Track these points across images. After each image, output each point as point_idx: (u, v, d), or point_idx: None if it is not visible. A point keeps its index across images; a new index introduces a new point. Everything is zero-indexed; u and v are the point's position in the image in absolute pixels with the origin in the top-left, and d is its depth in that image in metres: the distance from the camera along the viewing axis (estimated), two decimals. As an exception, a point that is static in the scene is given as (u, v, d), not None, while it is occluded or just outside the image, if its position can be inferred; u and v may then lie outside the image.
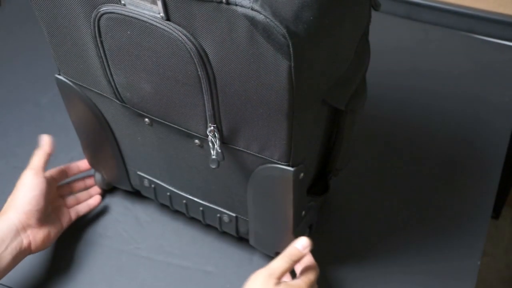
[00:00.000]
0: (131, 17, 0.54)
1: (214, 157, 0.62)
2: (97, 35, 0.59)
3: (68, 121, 0.78)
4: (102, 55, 0.61)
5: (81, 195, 0.84)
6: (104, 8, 0.55)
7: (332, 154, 0.72)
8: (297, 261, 0.67)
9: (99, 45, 0.60)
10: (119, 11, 0.55)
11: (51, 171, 0.79)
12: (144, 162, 0.76)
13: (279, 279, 0.64)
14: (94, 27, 0.58)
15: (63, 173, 0.82)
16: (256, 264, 0.80)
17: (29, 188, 0.74)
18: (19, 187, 0.74)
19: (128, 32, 0.56)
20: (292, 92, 0.52)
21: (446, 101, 1.01)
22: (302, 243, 0.67)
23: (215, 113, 0.59)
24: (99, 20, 0.57)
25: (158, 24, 0.53)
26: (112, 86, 0.64)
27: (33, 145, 0.96)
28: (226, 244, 0.82)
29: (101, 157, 0.80)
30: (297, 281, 0.66)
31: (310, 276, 0.67)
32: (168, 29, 0.53)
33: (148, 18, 0.54)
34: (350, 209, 0.87)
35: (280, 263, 0.66)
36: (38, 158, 0.77)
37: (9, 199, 0.74)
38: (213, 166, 0.62)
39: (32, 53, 1.10)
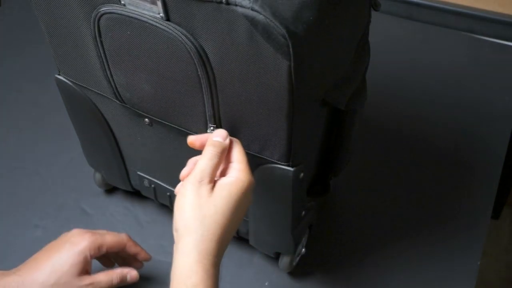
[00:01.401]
0: (131, 17, 0.54)
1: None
2: (97, 35, 0.59)
3: (68, 121, 0.78)
4: (102, 55, 0.61)
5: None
6: (104, 8, 0.55)
7: (332, 154, 0.72)
8: (223, 153, 0.57)
9: (99, 45, 0.60)
10: (119, 11, 0.55)
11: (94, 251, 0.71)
12: (144, 162, 0.76)
13: (211, 182, 0.56)
14: (94, 27, 0.58)
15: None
16: (256, 264, 0.80)
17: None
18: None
19: (128, 32, 0.56)
20: (292, 92, 0.52)
21: (446, 101, 1.01)
22: (219, 134, 0.58)
23: (215, 113, 0.59)
24: (99, 20, 0.57)
25: (158, 24, 0.53)
26: (112, 86, 0.64)
27: (33, 145, 0.96)
28: (226, 244, 0.82)
29: (101, 157, 0.80)
30: (233, 175, 0.56)
31: (243, 166, 0.57)
32: (168, 29, 0.53)
33: (148, 18, 0.54)
34: (350, 209, 0.87)
35: (205, 162, 0.56)
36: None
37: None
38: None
39: (32, 53, 1.10)
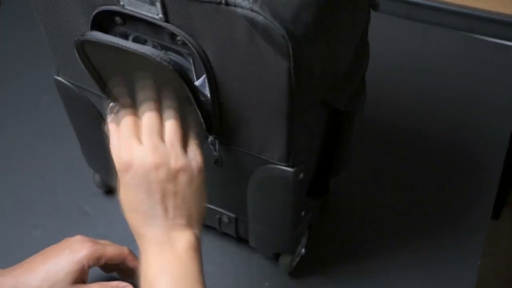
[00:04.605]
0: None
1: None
2: (96, 36, 0.58)
3: (68, 121, 0.78)
4: (102, 55, 0.61)
5: None
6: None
7: (332, 154, 0.72)
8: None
9: (98, 45, 0.59)
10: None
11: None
12: (143, 163, 0.76)
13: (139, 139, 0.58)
14: (93, 28, 0.58)
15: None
16: (256, 264, 0.80)
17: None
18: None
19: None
20: (292, 93, 0.52)
21: (446, 101, 1.01)
22: None
23: (215, 113, 0.59)
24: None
25: (157, 25, 0.53)
26: (111, 86, 0.64)
27: (33, 145, 0.96)
28: (226, 245, 0.82)
29: (100, 157, 0.79)
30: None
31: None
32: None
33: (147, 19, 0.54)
34: (350, 209, 0.87)
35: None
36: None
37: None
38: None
39: (32, 53, 1.09)
